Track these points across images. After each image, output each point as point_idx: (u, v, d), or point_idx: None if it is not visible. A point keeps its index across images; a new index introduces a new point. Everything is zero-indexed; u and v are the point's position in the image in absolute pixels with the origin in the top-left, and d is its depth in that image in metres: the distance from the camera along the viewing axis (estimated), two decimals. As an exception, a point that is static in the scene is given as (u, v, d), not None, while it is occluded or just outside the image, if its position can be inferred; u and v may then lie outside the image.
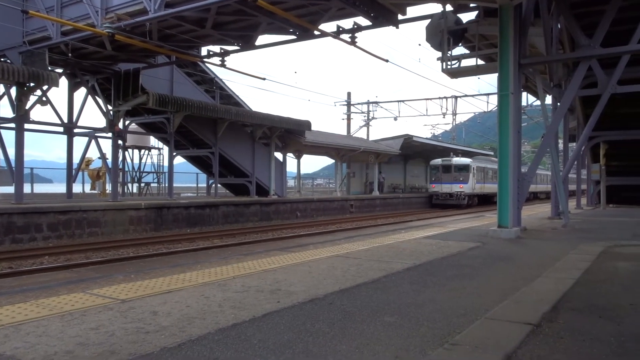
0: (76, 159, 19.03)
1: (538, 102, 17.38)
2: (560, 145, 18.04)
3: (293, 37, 13.58)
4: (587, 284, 5.00)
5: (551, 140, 12.30)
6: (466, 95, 38.54)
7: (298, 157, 29.04)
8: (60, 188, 21.83)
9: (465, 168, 33.58)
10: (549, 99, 15.00)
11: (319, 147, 28.04)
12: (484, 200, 35.50)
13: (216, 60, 15.71)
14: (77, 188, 21.95)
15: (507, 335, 3.28)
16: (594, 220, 13.81)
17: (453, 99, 36.01)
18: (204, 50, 16.10)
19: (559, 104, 12.94)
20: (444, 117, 40.82)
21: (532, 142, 66.59)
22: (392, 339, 3.22)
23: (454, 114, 37.35)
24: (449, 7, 11.49)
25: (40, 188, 24.05)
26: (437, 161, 34.88)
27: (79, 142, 18.82)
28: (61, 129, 17.96)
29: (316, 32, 12.91)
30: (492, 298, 4.34)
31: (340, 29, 12.84)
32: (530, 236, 9.56)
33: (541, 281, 5.12)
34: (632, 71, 14.09)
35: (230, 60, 17.09)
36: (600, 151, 19.82)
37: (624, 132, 18.60)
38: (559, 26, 13.18)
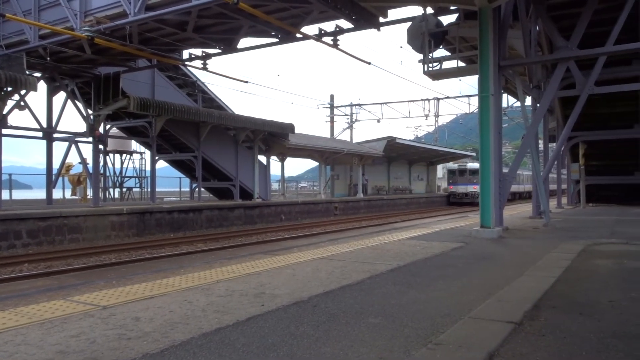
0: (56, 164, 18.74)
1: (518, 104, 17.61)
2: (541, 146, 18.27)
3: (275, 40, 13.56)
4: (568, 282, 5.07)
5: (531, 141, 12.49)
6: (448, 97, 38.97)
7: (282, 160, 29.00)
8: (40, 194, 21.43)
9: (477, 172, 34.62)
10: (528, 100, 15.21)
11: (303, 150, 28.04)
12: (510, 197, 37.70)
13: (198, 63, 15.61)
14: (57, 194, 21.60)
15: (490, 334, 3.31)
16: (574, 219, 14.02)
17: (435, 100, 36.39)
18: (185, 54, 16.00)
19: (538, 105, 13.14)
20: (426, 119, 41.19)
21: (513, 143, 67.40)
22: (377, 340, 3.22)
23: (436, 115, 37.79)
24: (429, 10, 11.61)
25: (19, 194, 23.58)
26: (454, 166, 36.95)
27: (59, 147, 18.54)
28: (40, 134, 17.68)
29: (298, 35, 12.92)
30: (475, 297, 4.38)
31: (323, 32, 12.87)
32: (512, 236, 9.67)
33: (523, 280, 5.18)
34: (609, 72, 14.40)
35: (212, 63, 17.04)
36: (580, 151, 20.17)
37: (602, 132, 18.97)
38: (537, 28, 13.41)
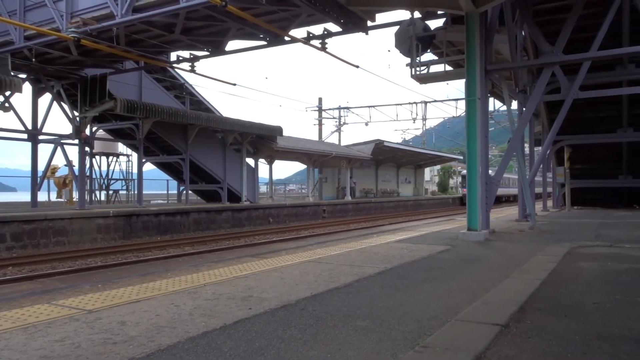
0: (41, 166, 18.53)
1: (505, 108, 17.84)
2: (527, 150, 18.48)
3: (263, 42, 13.56)
4: (553, 284, 5.12)
5: (517, 145, 12.61)
6: (435, 101, 39.34)
7: (270, 163, 28.95)
8: (25, 197, 21.17)
9: None
10: (514, 105, 15.38)
11: (291, 153, 28.03)
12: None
13: (186, 65, 15.56)
14: (42, 196, 21.35)
15: (477, 336, 3.33)
16: (560, 222, 14.18)
17: (423, 104, 36.58)
18: (173, 56, 15.95)
19: (524, 109, 13.28)
20: (414, 122, 41.32)
21: (500, 147, 68.03)
22: (364, 343, 3.23)
23: (424, 119, 37.95)
24: (417, 14, 11.69)
25: (3, 197, 23.31)
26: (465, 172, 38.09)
27: (44, 149, 18.33)
28: (25, 136, 17.47)
29: (286, 38, 12.93)
30: (461, 300, 4.40)
31: (311, 35, 12.90)
32: (498, 238, 9.74)
33: (509, 282, 5.22)
34: (593, 77, 14.60)
35: (200, 65, 16.98)
36: (565, 155, 20.40)
37: (587, 136, 19.22)
38: (523, 33, 13.56)
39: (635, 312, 4.04)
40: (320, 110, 40.71)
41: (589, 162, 21.34)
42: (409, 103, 36.31)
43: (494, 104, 34.68)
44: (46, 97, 18.20)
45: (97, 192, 25.42)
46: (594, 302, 4.37)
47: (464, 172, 37.44)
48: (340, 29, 12.29)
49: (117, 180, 27.99)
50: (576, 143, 19.77)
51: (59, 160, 27.87)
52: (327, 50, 13.00)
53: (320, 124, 40.66)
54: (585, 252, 7.61)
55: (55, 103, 17.90)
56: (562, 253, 7.37)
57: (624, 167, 20.49)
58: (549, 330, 3.51)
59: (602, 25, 11.49)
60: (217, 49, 14.32)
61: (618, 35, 14.27)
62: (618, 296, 4.59)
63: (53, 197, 23.15)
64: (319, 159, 30.24)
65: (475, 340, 3.25)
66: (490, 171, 10.79)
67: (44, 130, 18.03)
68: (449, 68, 12.47)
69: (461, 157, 46.94)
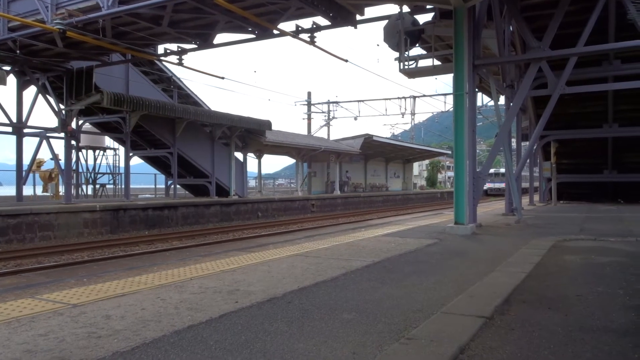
0: (26, 160, 18.30)
1: (492, 103, 17.90)
2: (514, 144, 18.62)
3: (252, 36, 13.48)
4: (538, 277, 5.18)
5: (504, 139, 12.70)
6: (424, 96, 39.39)
7: (259, 157, 28.88)
8: (10, 191, 20.90)
9: (503, 174, 38.76)
10: (502, 100, 15.47)
11: (280, 147, 27.97)
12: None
13: (173, 58, 15.42)
14: (28, 191, 21.08)
15: (461, 329, 3.36)
16: (546, 216, 14.32)
17: (411, 99, 36.63)
18: (160, 49, 15.77)
19: (511, 104, 13.37)
20: (402, 117, 41.62)
21: (488, 141, 68.52)
22: (350, 335, 3.24)
23: (413, 113, 38.06)
24: (405, 8, 11.70)
25: (-13, 191, 22.96)
26: (492, 170, 40.05)
27: (30, 143, 18.06)
28: (10, 129, 17.22)
29: (275, 32, 12.86)
30: (447, 293, 4.44)
31: (300, 29, 12.85)
32: (485, 232, 9.83)
33: (495, 275, 5.27)
34: (580, 72, 14.73)
35: (188, 59, 16.85)
36: (551, 149, 20.61)
37: (573, 131, 19.42)
38: (511, 29, 13.63)
39: (617, 304, 4.11)
40: (309, 104, 40.64)
41: (575, 157, 21.57)
42: (398, 98, 36.34)
43: (482, 99, 34.96)
44: (31, 90, 17.93)
45: (84, 187, 25.15)
46: (577, 294, 4.43)
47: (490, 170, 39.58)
48: (329, 23, 12.25)
49: (104, 174, 27.70)
50: (562, 138, 19.97)
51: (44, 154, 27.59)
52: (316, 44, 12.96)
53: (309, 118, 40.61)
54: (570, 246, 7.71)
55: (40, 96, 17.63)
56: (547, 246, 7.46)
57: (609, 162, 20.74)
58: (532, 322, 3.55)
59: (588, 21, 11.59)
60: (205, 42, 14.20)
61: (604, 32, 14.41)
62: (601, 288, 4.65)
63: (39, 191, 22.88)
64: (308, 153, 30.20)
65: (460, 332, 3.28)
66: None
67: (29, 124, 17.78)
68: (437, 62, 12.52)
69: (449, 152, 47.22)
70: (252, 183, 34.33)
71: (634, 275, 5.31)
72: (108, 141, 26.88)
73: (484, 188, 37.85)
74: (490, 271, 5.47)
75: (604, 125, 19.01)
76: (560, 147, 20.53)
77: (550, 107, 13.05)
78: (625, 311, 3.87)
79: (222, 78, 18.96)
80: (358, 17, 12.13)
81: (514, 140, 18.79)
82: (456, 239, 8.75)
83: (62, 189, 20.27)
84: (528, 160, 18.31)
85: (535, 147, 18.96)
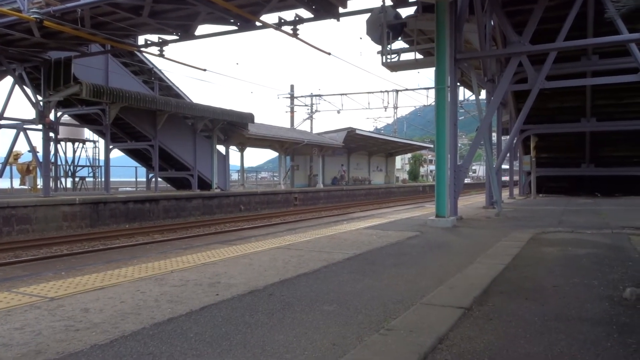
0: (3, 152, 17.94)
1: (474, 97, 18.08)
2: (495, 138, 18.84)
3: (234, 27, 13.34)
4: (516, 269, 5.27)
5: (485, 133, 12.81)
6: (407, 89, 39.70)
7: (241, 150, 28.73)
8: (-14, 184, 20.49)
9: None
10: (483, 94, 15.61)
11: (263, 140, 27.85)
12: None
13: (154, 50, 15.20)
14: (4, 184, 20.71)
15: (441, 319, 3.40)
16: (525, 209, 14.53)
17: (394, 92, 36.83)
18: (141, 40, 15.51)
19: (492, 98, 13.50)
20: (385, 111, 41.66)
21: (469, 135, 69.11)
22: (330, 327, 3.26)
23: (395, 107, 38.31)
24: (388, 2, 11.70)
25: (-38, 184, 22.45)
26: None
27: (6, 135, 17.74)
28: (-15, 121, 16.84)
29: (257, 24, 12.75)
30: (427, 284, 4.49)
31: (282, 21, 12.75)
32: (466, 225, 9.94)
33: (474, 267, 5.34)
34: (559, 67, 14.93)
35: (169, 50, 16.63)
36: (531, 144, 20.85)
37: (552, 125, 19.68)
38: (492, 23, 13.73)
39: (592, 294, 4.20)
40: (292, 97, 40.53)
41: (554, 151, 21.87)
42: (381, 91, 36.53)
43: (463, 94, 35.24)
44: (7, 81, 17.55)
45: (63, 179, 24.77)
46: (554, 285, 4.52)
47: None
48: (311, 15, 12.19)
49: (83, 167, 27.32)
50: (542, 132, 20.23)
51: (22, 146, 27.05)
52: (298, 36, 12.89)
53: (292, 112, 40.52)
54: (548, 238, 7.84)
55: (17, 87, 17.27)
56: (526, 239, 7.58)
57: (586, 156, 21.09)
58: (509, 313, 3.61)
59: (568, 16, 11.73)
60: (186, 33, 14.02)
61: (583, 28, 14.60)
62: (577, 279, 4.75)
63: (16, 184, 22.48)
64: (291, 146, 30.14)
65: (439, 322, 3.32)
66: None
67: (5, 115, 17.40)
68: (419, 56, 12.56)
69: (432, 146, 47.43)
70: (234, 176, 34.16)
71: (608, 266, 5.42)
72: (87, 133, 26.50)
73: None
74: (470, 263, 5.54)
75: (582, 119, 19.30)
76: (539, 141, 20.79)
77: (530, 101, 13.21)
78: (600, 301, 3.96)
79: (204, 70, 18.80)
80: (341, 10, 12.09)
81: (494, 134, 18.98)
82: (437, 231, 8.84)
83: (40, 182, 19.93)
84: (508, 154, 18.53)
85: (515, 141, 19.19)
